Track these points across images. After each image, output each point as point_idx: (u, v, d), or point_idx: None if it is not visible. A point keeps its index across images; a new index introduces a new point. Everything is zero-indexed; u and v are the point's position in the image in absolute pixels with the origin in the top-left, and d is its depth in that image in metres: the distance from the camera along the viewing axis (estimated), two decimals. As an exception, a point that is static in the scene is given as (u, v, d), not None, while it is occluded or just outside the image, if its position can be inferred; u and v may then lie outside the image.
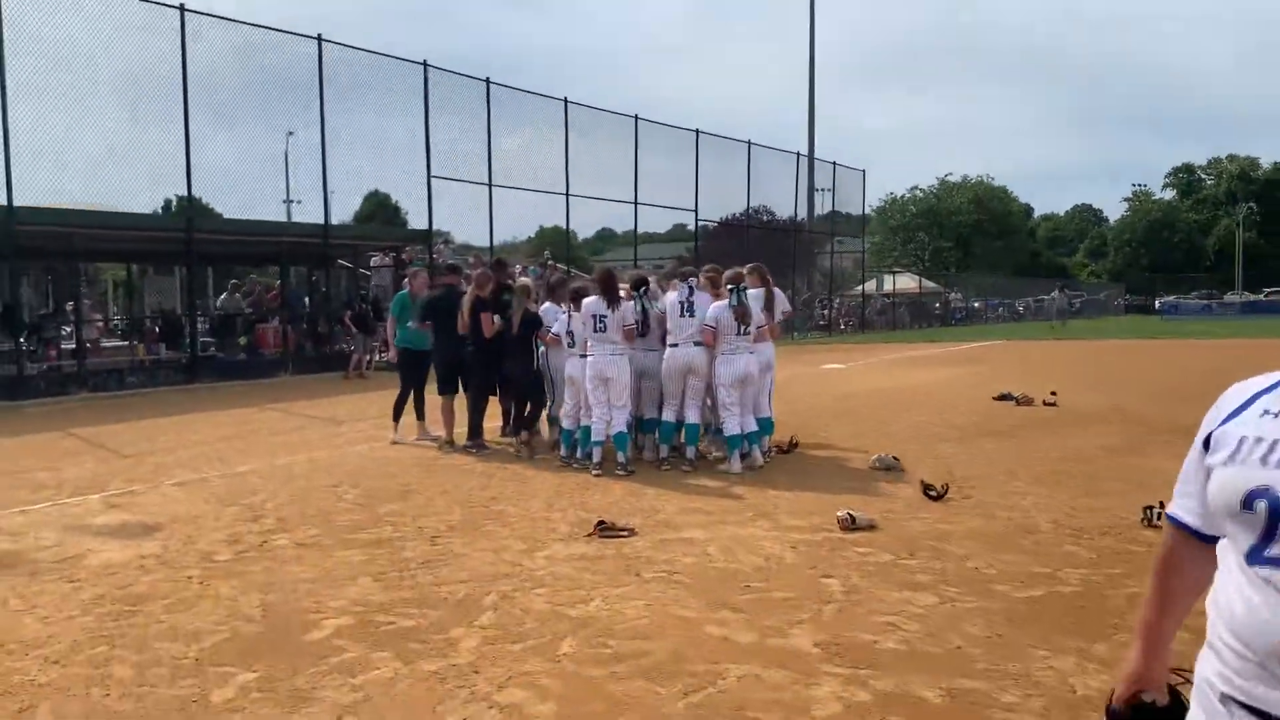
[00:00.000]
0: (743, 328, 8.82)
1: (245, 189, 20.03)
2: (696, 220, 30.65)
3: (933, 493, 7.53)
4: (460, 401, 10.70)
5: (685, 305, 8.94)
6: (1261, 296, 71.78)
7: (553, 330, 9.63)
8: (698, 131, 30.11)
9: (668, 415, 9.17)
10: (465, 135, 22.51)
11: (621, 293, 9.08)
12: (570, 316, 9.30)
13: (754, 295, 9.24)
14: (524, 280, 10.75)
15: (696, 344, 8.91)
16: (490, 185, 22.89)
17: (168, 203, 21.35)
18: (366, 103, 21.16)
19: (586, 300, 9.10)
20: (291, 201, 23.90)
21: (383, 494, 8.29)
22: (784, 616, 4.94)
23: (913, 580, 5.51)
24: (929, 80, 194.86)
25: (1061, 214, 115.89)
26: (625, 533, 6.62)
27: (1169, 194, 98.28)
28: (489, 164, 22.86)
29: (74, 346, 17.95)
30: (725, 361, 8.82)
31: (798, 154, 34.38)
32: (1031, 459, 9.33)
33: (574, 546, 6.39)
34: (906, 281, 52.99)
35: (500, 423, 10.96)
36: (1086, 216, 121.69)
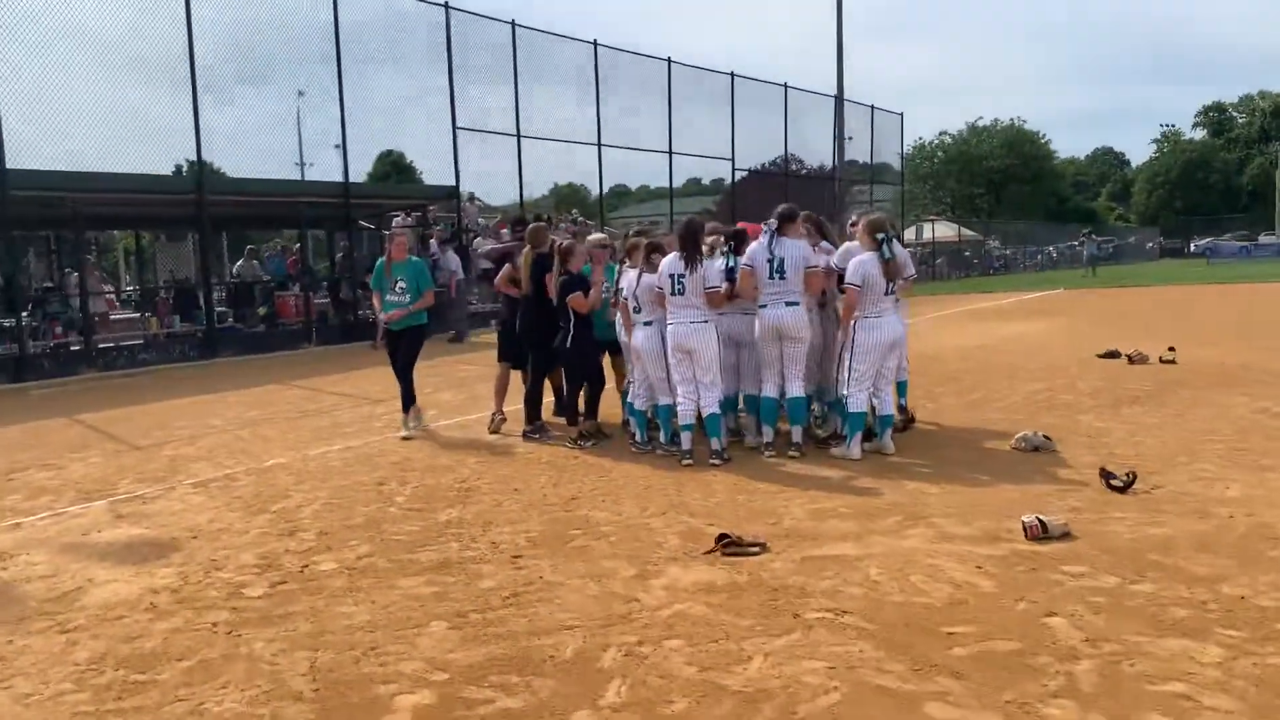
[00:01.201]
0: (891, 285, 7.41)
1: (255, 150, 18.61)
2: (733, 170, 29.02)
3: (1116, 482, 6.14)
4: (518, 378, 9.40)
5: (773, 261, 7.52)
6: (1300, 237, 69.70)
7: (623, 294, 8.23)
8: (733, 75, 28.40)
9: (768, 390, 7.78)
10: (491, 84, 20.97)
11: (705, 248, 7.66)
12: (641, 276, 7.90)
13: (823, 248, 7.96)
14: (598, 235, 9.29)
15: (790, 304, 7.51)
16: (519, 136, 21.35)
17: (178, 168, 19.98)
18: (384, 52, 19.62)
19: (665, 260, 7.70)
20: (305, 165, 22.49)
21: (439, 494, 6.97)
22: (1025, 686, 3.59)
23: (1170, 618, 4.14)
24: (937, 34, 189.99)
25: (1082, 158, 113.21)
26: (755, 549, 5.27)
27: (1199, 134, 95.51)
28: (516, 114, 21.29)
29: (81, 321, 16.65)
30: (869, 327, 7.41)
31: (835, 97, 32.56)
32: (1198, 432, 7.91)
33: (696, 570, 5.05)
34: (943, 230, 51.11)
35: (553, 399, 9.66)
36: (1109, 159, 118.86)
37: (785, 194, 28.81)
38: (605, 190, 26.54)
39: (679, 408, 7.66)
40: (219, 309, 20.19)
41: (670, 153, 26.25)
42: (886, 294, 7.46)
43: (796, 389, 7.71)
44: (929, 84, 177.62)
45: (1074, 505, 5.88)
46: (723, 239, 7.75)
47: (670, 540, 5.58)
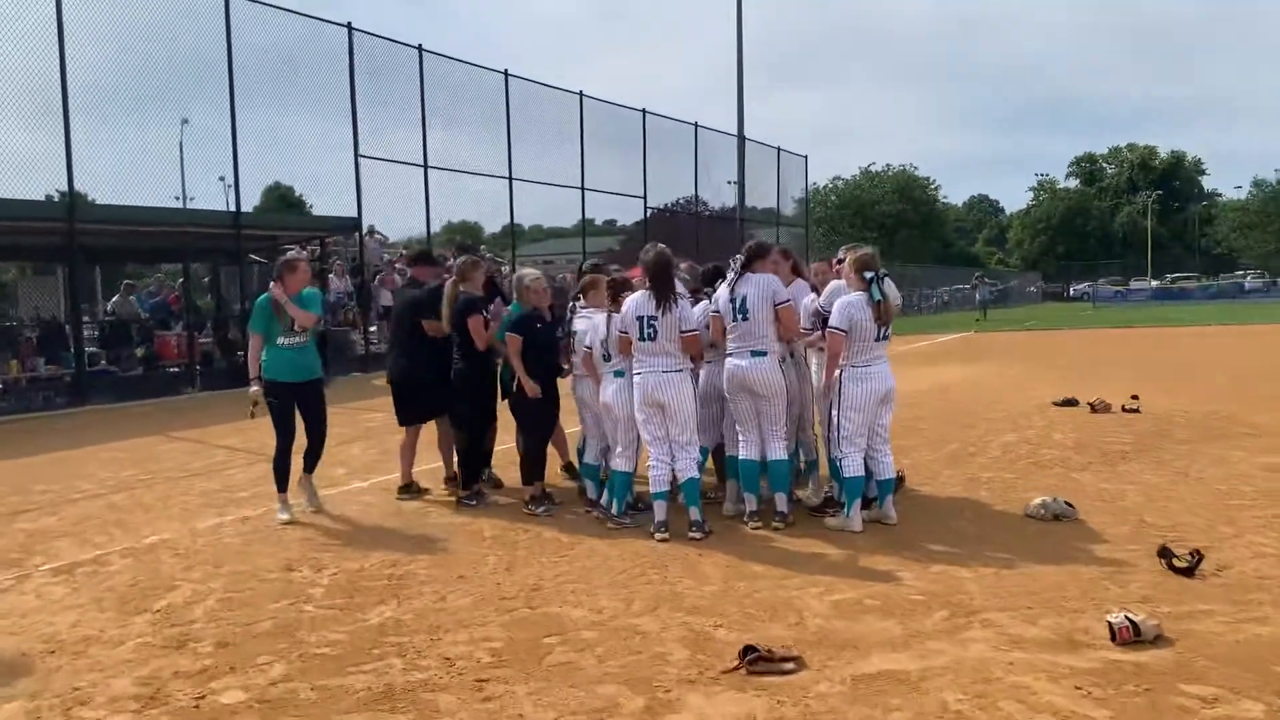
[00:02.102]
0: (883, 330, 6.49)
1: (135, 180, 16.86)
2: (645, 207, 28.20)
3: (1180, 563, 5.28)
4: (430, 435, 8.16)
5: (735, 301, 6.55)
6: (1168, 283, 72.98)
7: (585, 342, 7.12)
8: (644, 111, 27.68)
9: (745, 451, 6.74)
10: (398, 111, 19.67)
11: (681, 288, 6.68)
12: (609, 319, 6.82)
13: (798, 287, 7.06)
14: (532, 271, 8.17)
15: (756, 353, 6.53)
16: (426, 167, 20.07)
17: (48, 198, 18.08)
18: (281, 75, 18.15)
19: (629, 300, 6.64)
20: (187, 198, 20.66)
21: (365, 584, 5.70)
22: None
23: (1364, 769, 3.21)
24: (821, 79, 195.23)
25: (960, 205, 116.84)
26: (789, 664, 4.19)
27: (1072, 183, 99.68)
28: (424, 143, 20.01)
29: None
30: (858, 378, 6.47)
31: (737, 137, 32.14)
32: (1219, 495, 7.18)
33: (723, 699, 3.94)
34: (844, 272, 51.19)
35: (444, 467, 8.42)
36: (985, 206, 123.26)
37: (696, 235, 28.12)
38: (499, 229, 25.20)
39: (652, 473, 6.56)
40: (91, 350, 18.21)
41: (583, 189, 25.29)
42: (877, 340, 6.56)
43: (778, 450, 6.70)
44: (825, 130, 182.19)
45: (1142, 594, 4.99)
46: (733, 265, 6.73)
47: (675, 651, 4.46)
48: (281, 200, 38.10)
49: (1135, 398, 11.63)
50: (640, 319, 6.49)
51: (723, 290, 6.67)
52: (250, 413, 7.36)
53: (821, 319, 6.88)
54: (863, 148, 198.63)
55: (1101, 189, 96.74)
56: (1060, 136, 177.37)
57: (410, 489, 8.06)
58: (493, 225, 24.80)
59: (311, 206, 26.91)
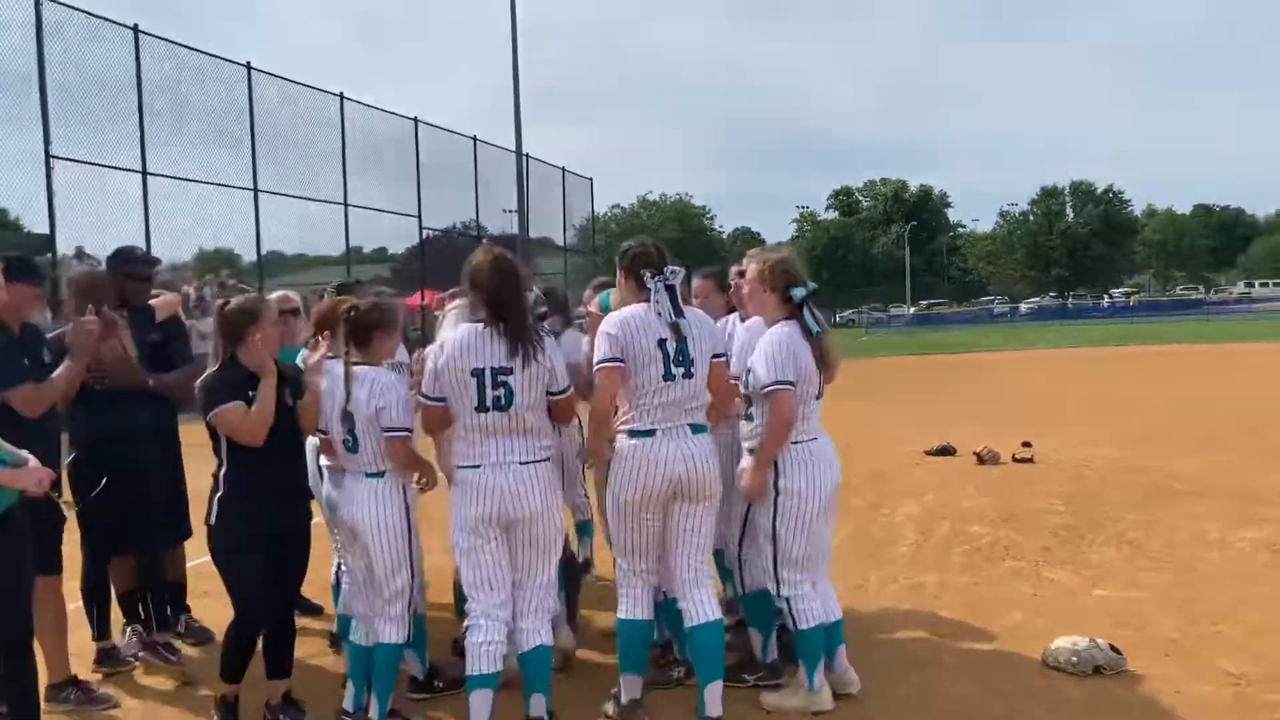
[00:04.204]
0: (823, 377, 4.07)
1: None
2: (421, 227, 24.92)
3: None
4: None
5: (674, 341, 3.94)
6: (924, 309, 76.69)
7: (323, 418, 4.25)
8: (416, 120, 24.50)
9: (631, 609, 4.04)
10: (109, 103, 15.72)
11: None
12: (349, 375, 4.04)
13: (751, 327, 4.49)
14: (281, 294, 5.21)
15: (696, 428, 3.98)
16: (145, 174, 16.15)
17: None
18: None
19: (450, 338, 3.88)
20: None
21: None
22: None
23: None
24: (596, 114, 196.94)
25: (724, 237, 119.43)
26: None
27: (831, 214, 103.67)
28: (141, 140, 16.09)
29: None
30: (803, 460, 4.05)
31: (526, 155, 29.53)
32: (1267, 600, 5.19)
33: None
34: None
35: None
36: (747, 238, 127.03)
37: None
38: (251, 254, 21.08)
39: (472, 641, 3.81)
40: None
41: (346, 205, 21.81)
42: (817, 397, 4.14)
43: (707, 601, 4.04)
44: (601, 162, 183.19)
45: None
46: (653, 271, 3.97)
47: None
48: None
49: (1027, 444, 9.86)
50: (478, 374, 3.76)
51: (636, 320, 3.96)
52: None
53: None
54: (636, 179, 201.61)
55: (859, 220, 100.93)
56: (815, 173, 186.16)
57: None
58: (245, 250, 20.62)
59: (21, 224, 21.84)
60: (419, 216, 24.85)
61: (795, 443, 4.03)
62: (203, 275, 22.33)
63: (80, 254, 19.09)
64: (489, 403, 3.75)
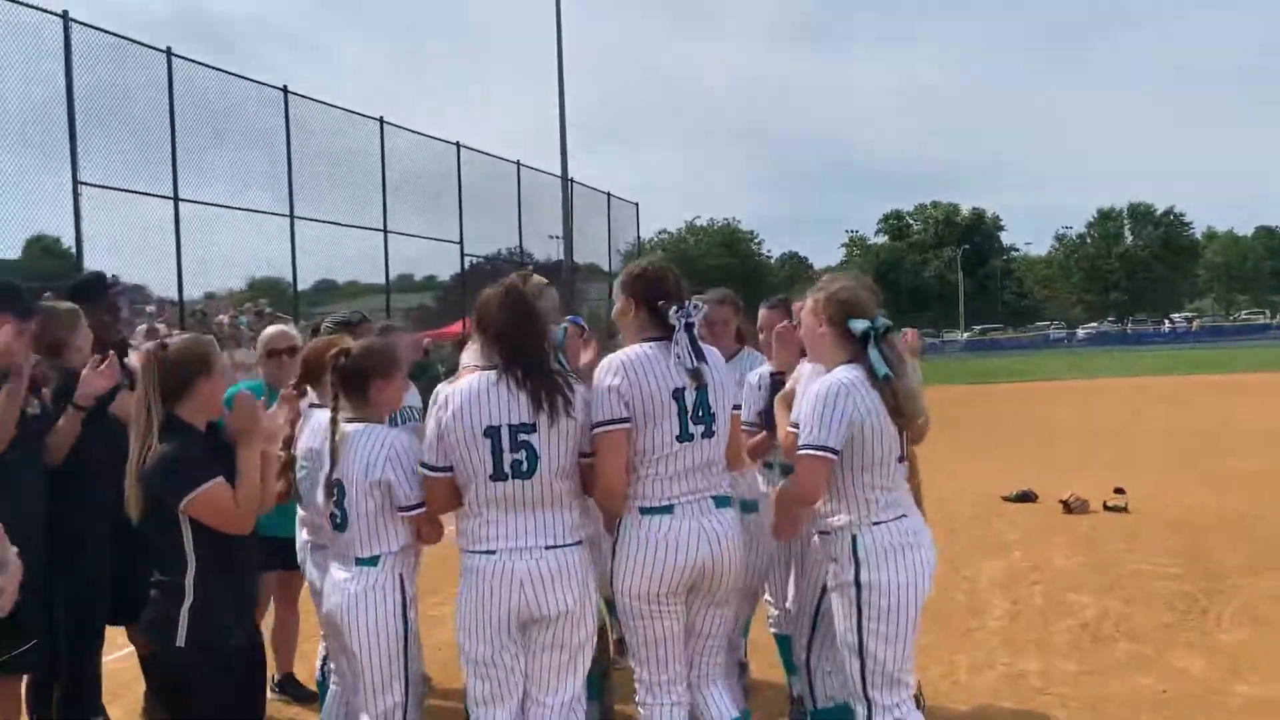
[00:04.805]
0: (903, 434, 3.26)
1: None
2: (462, 254, 24.40)
3: None
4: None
5: (685, 394, 3.14)
6: (978, 334, 75.12)
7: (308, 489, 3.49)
8: (459, 145, 24.03)
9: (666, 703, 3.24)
10: (137, 127, 15.31)
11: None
12: (333, 431, 3.28)
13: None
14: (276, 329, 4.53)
15: (720, 501, 3.21)
16: (176, 200, 15.74)
17: None
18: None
19: (459, 387, 3.10)
20: None
21: None
22: None
23: None
24: (641, 139, 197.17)
25: (772, 262, 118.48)
26: None
27: (881, 239, 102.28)
28: (173, 166, 15.67)
29: None
30: (891, 547, 3.20)
31: (561, 178, 28.89)
32: None
33: None
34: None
35: None
36: (795, 262, 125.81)
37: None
38: (304, 282, 20.61)
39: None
40: None
41: (385, 231, 21.31)
42: (900, 460, 3.26)
43: (720, 700, 3.29)
44: (645, 187, 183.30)
45: None
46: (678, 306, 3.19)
47: None
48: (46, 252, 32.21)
49: (1120, 491, 8.86)
50: (493, 434, 3.00)
51: (643, 365, 3.15)
52: None
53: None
54: (683, 203, 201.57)
55: (910, 244, 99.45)
56: (864, 196, 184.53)
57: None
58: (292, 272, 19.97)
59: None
60: (460, 243, 24.29)
61: (877, 523, 3.17)
62: (241, 304, 21.93)
63: (115, 282, 18.77)
64: (507, 468, 2.96)
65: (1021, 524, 8.33)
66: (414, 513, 3.18)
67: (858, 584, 3.14)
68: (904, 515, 3.26)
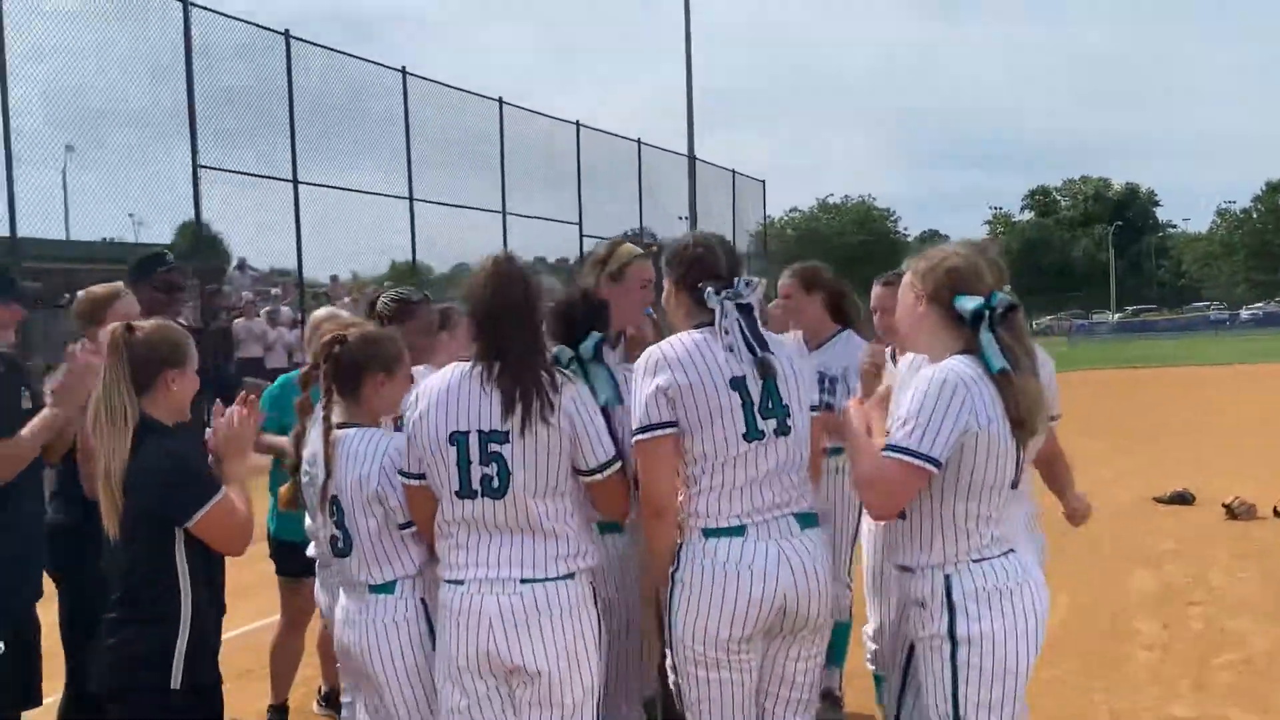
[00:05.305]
0: (1023, 454, 2.52)
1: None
2: (581, 235, 24.17)
3: None
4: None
5: (745, 383, 2.55)
6: (1130, 315, 71.14)
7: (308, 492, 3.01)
8: (578, 124, 23.77)
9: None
10: (251, 111, 15.50)
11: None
12: (329, 438, 2.80)
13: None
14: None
15: (805, 520, 2.61)
16: (295, 182, 15.90)
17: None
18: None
19: (432, 381, 2.60)
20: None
21: None
22: None
23: None
24: (769, 117, 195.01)
25: (910, 240, 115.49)
26: None
27: (1026, 216, 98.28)
28: (293, 149, 15.82)
29: None
30: (995, 591, 2.48)
31: (688, 156, 28.30)
32: None
33: None
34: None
35: None
36: (936, 241, 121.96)
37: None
38: (427, 261, 20.80)
39: None
40: None
41: (504, 213, 21.21)
42: (1014, 485, 2.53)
43: None
44: (774, 165, 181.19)
45: None
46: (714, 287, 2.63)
47: None
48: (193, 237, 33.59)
49: (1293, 496, 7.81)
50: (460, 440, 2.49)
51: (694, 353, 2.59)
52: None
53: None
54: (815, 182, 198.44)
55: (1058, 221, 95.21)
56: (1009, 172, 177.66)
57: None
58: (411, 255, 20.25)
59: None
60: (579, 224, 24.03)
61: (978, 560, 2.49)
62: (376, 286, 22.17)
63: (242, 264, 19.21)
64: (476, 484, 2.43)
65: (1176, 531, 7.44)
66: (413, 529, 2.69)
67: (953, 638, 2.47)
68: (1010, 550, 2.56)
